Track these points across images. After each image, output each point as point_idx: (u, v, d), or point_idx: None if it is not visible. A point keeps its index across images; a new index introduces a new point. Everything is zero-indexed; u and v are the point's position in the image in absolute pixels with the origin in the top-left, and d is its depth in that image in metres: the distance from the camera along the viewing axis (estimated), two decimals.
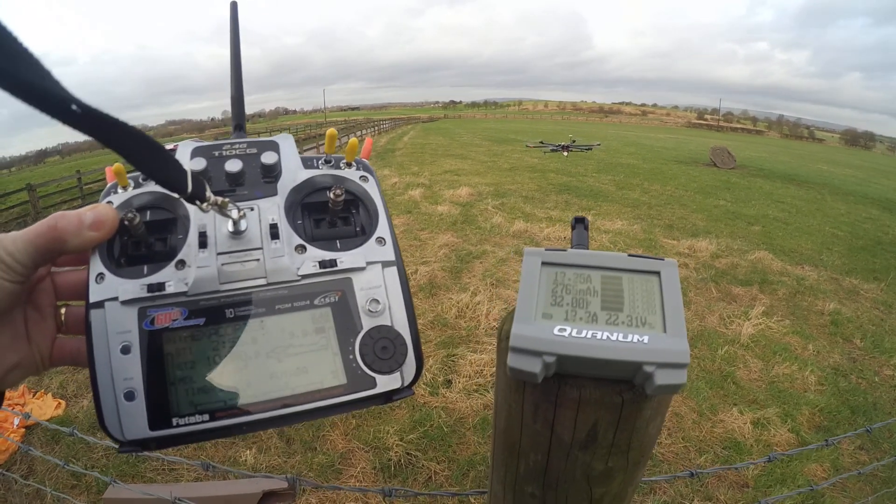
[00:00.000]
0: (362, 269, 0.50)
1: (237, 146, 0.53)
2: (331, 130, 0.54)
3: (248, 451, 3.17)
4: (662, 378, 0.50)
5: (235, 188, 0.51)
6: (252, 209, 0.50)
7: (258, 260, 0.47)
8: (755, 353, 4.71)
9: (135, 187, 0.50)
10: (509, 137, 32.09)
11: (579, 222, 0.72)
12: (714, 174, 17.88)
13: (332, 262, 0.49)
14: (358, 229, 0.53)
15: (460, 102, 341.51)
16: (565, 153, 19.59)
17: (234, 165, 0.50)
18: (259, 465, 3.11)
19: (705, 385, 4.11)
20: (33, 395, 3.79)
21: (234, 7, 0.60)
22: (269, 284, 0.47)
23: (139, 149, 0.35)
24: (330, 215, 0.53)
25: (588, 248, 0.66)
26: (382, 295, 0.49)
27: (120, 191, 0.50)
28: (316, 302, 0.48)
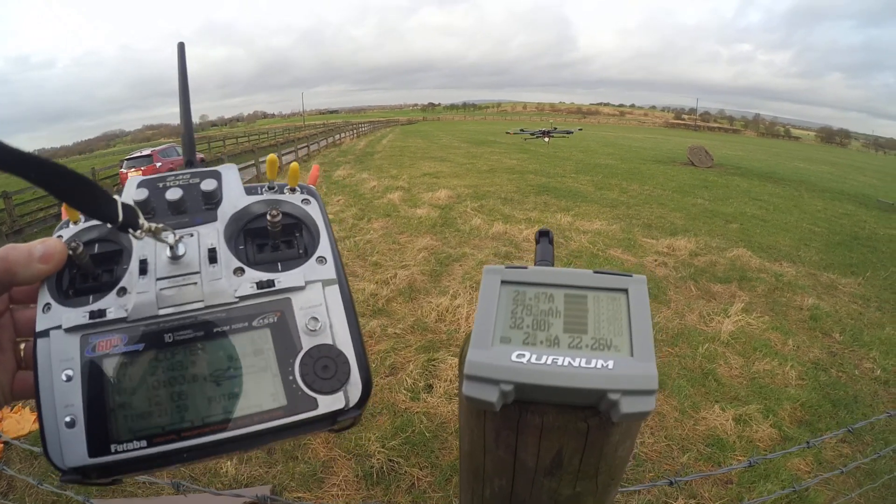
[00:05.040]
0: (301, 288, 0.50)
1: (181, 177, 0.55)
2: (271, 156, 0.55)
3: (228, 463, 3.12)
4: (628, 406, 0.47)
5: (178, 216, 0.52)
6: (192, 235, 0.51)
7: (196, 283, 0.48)
8: (735, 349, 4.74)
9: (85, 221, 0.52)
10: (488, 139, 32.17)
11: (543, 236, 0.68)
12: (692, 173, 18.06)
13: (270, 283, 0.49)
14: (301, 251, 0.53)
15: (439, 105, 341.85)
16: (546, 139, 19.73)
17: (174, 194, 0.51)
18: (240, 476, 3.07)
19: (686, 383, 4.13)
20: (10, 409, 3.74)
21: (181, 48, 0.61)
22: (206, 307, 0.47)
23: (65, 184, 0.35)
24: (272, 239, 0.53)
25: (553, 264, 0.63)
26: (323, 313, 0.49)
27: (72, 226, 0.52)
28: (254, 323, 0.48)
